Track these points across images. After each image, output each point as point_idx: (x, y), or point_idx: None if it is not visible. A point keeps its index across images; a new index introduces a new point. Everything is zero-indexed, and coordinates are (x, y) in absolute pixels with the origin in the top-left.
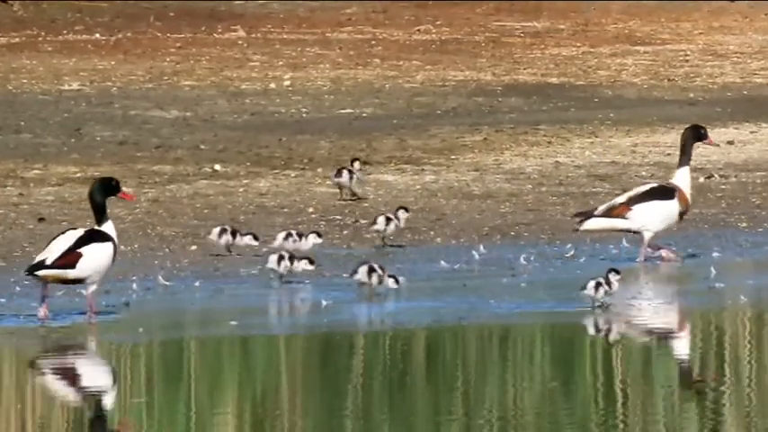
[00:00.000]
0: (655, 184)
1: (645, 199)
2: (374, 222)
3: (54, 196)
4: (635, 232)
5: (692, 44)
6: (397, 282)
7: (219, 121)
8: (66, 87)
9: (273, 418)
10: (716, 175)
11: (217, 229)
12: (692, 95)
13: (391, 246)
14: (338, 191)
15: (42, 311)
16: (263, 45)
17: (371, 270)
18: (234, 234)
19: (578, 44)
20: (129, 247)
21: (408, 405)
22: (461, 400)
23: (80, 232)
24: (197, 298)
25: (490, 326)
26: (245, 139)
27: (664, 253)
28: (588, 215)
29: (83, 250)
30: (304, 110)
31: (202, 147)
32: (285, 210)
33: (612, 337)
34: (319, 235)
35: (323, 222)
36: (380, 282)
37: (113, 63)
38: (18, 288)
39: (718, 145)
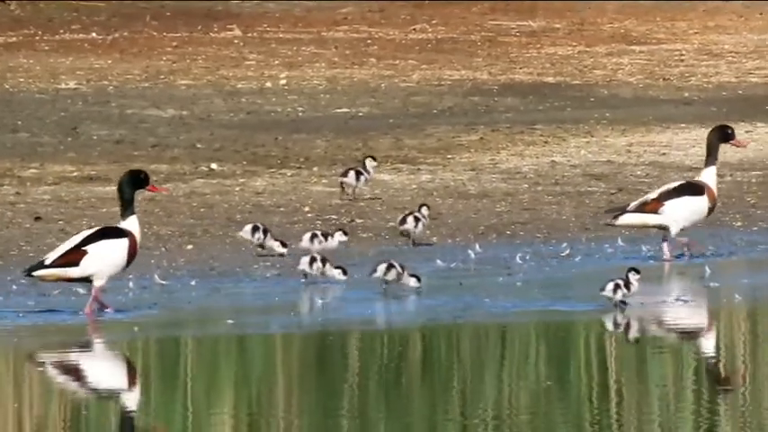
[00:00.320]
0: (684, 181)
1: (676, 195)
2: (403, 222)
3: (51, 195)
4: (665, 228)
5: (688, 44)
6: (418, 280)
7: (216, 120)
8: (63, 86)
9: (268, 417)
10: None
11: (249, 227)
12: (687, 95)
13: (388, 245)
14: (340, 190)
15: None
16: (259, 44)
17: (391, 267)
18: (265, 233)
19: (574, 44)
20: None
21: (403, 404)
22: (455, 399)
23: (93, 230)
24: (193, 297)
25: (486, 325)
26: (241, 138)
27: (691, 244)
28: (621, 211)
29: (89, 248)
30: (300, 109)
31: (199, 146)
32: (281, 209)
33: (608, 335)
34: (345, 233)
35: (319, 222)
36: (400, 280)
37: (110, 62)
38: (15, 287)
39: (745, 146)
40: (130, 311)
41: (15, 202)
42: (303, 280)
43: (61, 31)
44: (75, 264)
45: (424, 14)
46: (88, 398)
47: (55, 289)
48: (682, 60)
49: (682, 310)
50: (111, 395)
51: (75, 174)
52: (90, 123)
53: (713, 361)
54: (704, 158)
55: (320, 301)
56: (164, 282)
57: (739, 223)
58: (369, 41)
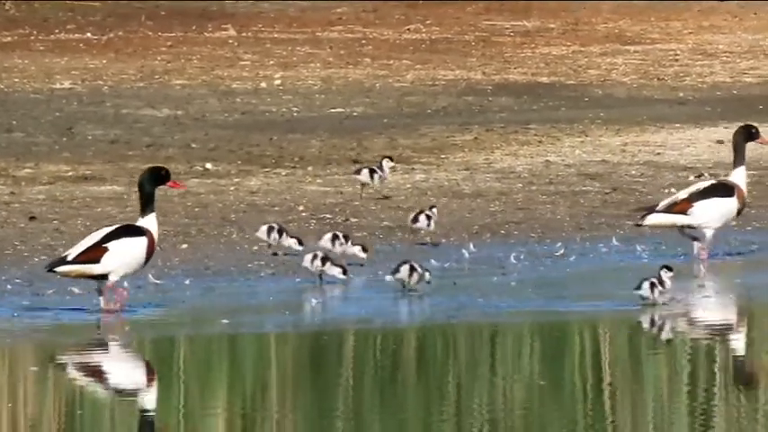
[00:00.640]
0: (715, 181)
1: (706, 196)
2: (416, 221)
3: (45, 195)
4: (694, 228)
5: (682, 43)
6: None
7: (210, 120)
8: (58, 86)
9: (263, 415)
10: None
11: (264, 227)
12: (681, 95)
13: (382, 245)
14: (360, 187)
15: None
16: (254, 44)
17: (412, 269)
18: (281, 233)
19: (568, 43)
20: None
21: (397, 403)
22: (449, 398)
23: (113, 227)
24: (187, 296)
25: (480, 324)
26: (235, 138)
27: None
28: (649, 210)
29: (110, 245)
30: (295, 109)
31: (193, 145)
32: (276, 208)
33: (602, 335)
34: (365, 249)
35: (313, 221)
36: (420, 279)
37: (105, 62)
38: (9, 286)
39: None
40: (125, 311)
41: (10, 202)
42: (317, 282)
43: (56, 30)
44: (97, 261)
45: (418, 14)
46: (83, 397)
47: (49, 288)
48: (676, 60)
49: (680, 310)
50: (108, 394)
51: (69, 173)
52: (85, 123)
53: (709, 362)
54: (732, 160)
55: (315, 301)
56: (158, 281)
57: (734, 222)
58: (363, 41)
